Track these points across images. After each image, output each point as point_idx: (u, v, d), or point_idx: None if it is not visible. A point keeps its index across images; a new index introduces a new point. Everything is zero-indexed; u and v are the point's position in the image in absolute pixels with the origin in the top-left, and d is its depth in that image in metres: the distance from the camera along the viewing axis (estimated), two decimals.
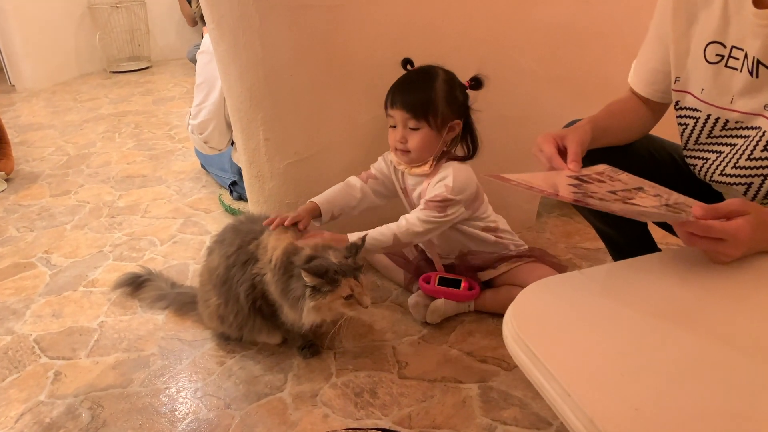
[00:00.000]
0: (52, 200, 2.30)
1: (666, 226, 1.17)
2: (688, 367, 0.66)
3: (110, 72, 4.49)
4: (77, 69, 4.41)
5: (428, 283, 1.48)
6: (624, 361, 0.68)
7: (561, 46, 1.68)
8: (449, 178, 1.36)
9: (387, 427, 1.17)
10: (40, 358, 1.42)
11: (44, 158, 2.75)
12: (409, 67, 1.41)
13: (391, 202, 1.57)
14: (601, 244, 1.76)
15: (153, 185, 2.39)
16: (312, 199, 1.46)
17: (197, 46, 4.09)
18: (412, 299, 1.50)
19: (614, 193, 0.80)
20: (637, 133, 1.12)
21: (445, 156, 1.42)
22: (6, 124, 2.67)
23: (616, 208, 0.77)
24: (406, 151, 1.39)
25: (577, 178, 0.85)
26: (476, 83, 1.38)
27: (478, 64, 1.60)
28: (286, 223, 1.33)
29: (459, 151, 1.45)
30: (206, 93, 1.94)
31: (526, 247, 1.54)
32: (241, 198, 2.13)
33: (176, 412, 1.24)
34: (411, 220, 1.36)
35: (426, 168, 1.41)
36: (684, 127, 1.04)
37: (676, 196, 0.81)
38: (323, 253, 1.22)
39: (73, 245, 1.94)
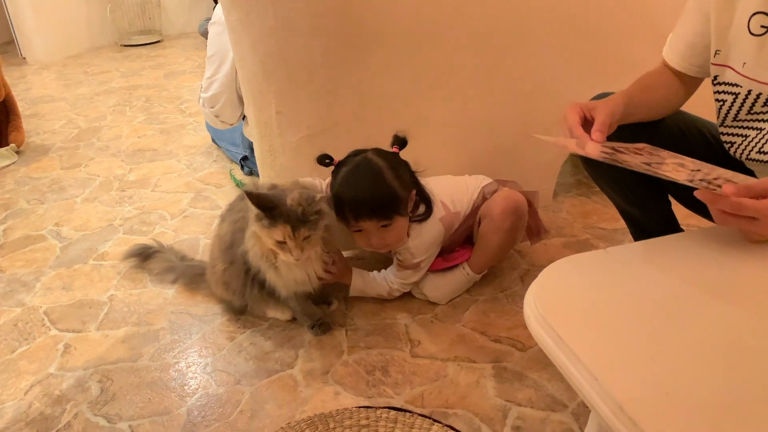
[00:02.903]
0: (63, 173, 2.28)
1: (697, 207, 1.12)
2: (720, 350, 0.63)
3: (121, 45, 4.45)
4: (88, 42, 4.37)
5: None
6: (653, 343, 0.65)
7: (582, 19, 1.62)
8: (411, 248, 1.37)
9: (399, 406, 1.15)
10: (50, 330, 1.41)
11: (55, 131, 2.73)
12: (328, 161, 1.34)
13: None
14: (619, 225, 1.73)
15: (163, 159, 2.37)
16: None
17: (208, 20, 4.04)
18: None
19: (648, 164, 0.77)
20: (669, 109, 1.08)
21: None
22: (17, 96, 2.65)
23: (644, 168, 0.74)
24: (386, 245, 1.35)
25: (612, 149, 0.82)
26: (401, 144, 1.36)
27: (495, 36, 1.56)
28: None
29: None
30: (218, 65, 1.90)
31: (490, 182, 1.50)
32: (252, 173, 2.10)
33: (186, 387, 1.23)
34: (394, 286, 1.43)
35: (403, 242, 1.39)
36: (722, 103, 0.99)
37: (720, 172, 0.77)
38: (290, 193, 1.19)
39: (84, 218, 1.93)
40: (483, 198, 1.45)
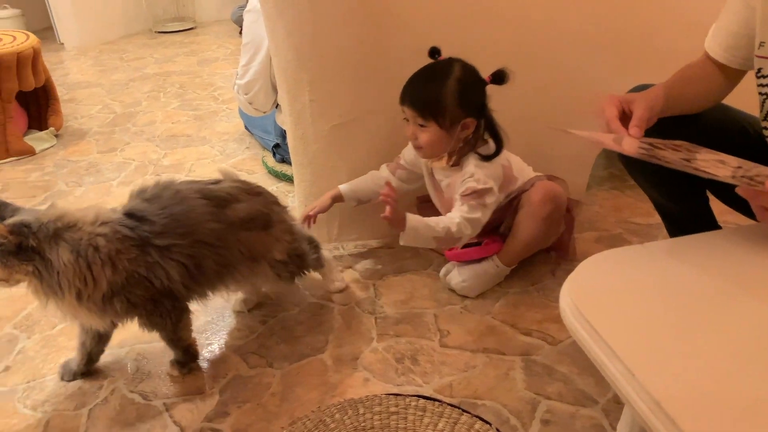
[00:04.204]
0: (100, 156, 2.33)
1: (737, 204, 1.10)
2: (761, 351, 0.63)
3: (155, 32, 4.51)
4: (123, 29, 4.44)
5: (451, 250, 1.46)
6: (692, 341, 0.64)
7: (611, 9, 1.59)
8: (475, 174, 1.34)
9: (428, 395, 1.16)
10: None
11: (92, 116, 2.79)
12: (437, 57, 1.35)
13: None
14: (652, 220, 1.71)
15: (197, 145, 2.40)
16: (339, 186, 1.54)
17: (241, 8, 4.08)
18: (443, 270, 1.49)
19: (688, 161, 0.76)
20: (710, 102, 1.06)
21: (469, 152, 1.37)
22: (55, 81, 2.71)
23: (683, 164, 0.73)
24: (419, 147, 1.36)
25: (650, 144, 0.80)
26: (498, 78, 1.32)
27: (525, 24, 1.54)
28: (311, 213, 1.52)
29: (483, 147, 1.39)
30: (253, 53, 1.92)
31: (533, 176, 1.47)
32: (284, 160, 2.12)
33: (218, 368, 1.25)
34: (456, 220, 1.32)
35: (443, 162, 1.38)
36: (765, 96, 0.97)
37: (761, 169, 0.76)
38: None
39: (120, 201, 1.93)
40: (526, 188, 1.43)
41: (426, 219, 1.32)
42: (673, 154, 0.79)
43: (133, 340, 1.34)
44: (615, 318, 0.68)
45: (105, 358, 1.28)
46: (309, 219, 1.52)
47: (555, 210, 1.37)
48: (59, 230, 1.02)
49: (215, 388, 1.20)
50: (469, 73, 1.32)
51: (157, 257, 1.09)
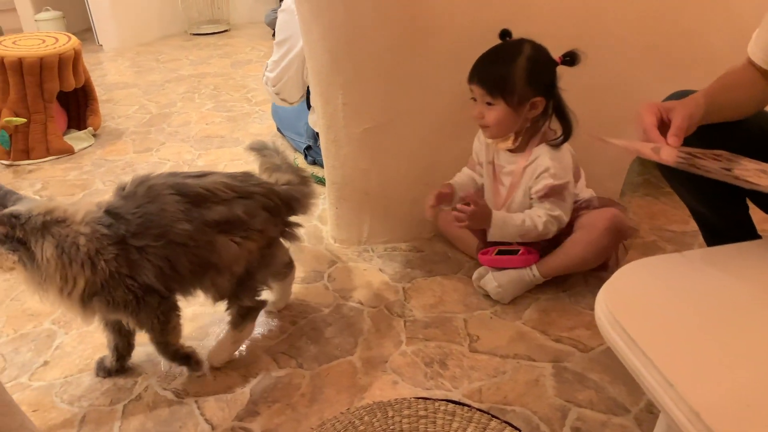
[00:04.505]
0: (136, 156, 2.38)
1: None
2: None
3: (190, 34, 4.58)
4: (159, 31, 4.53)
5: (486, 255, 1.45)
6: (732, 351, 0.63)
7: (656, 11, 1.57)
8: (550, 169, 1.32)
9: (457, 400, 1.15)
10: None
11: (128, 116, 2.85)
12: (507, 39, 1.35)
13: None
14: (688, 227, 1.68)
15: (230, 146, 2.44)
16: (448, 182, 1.51)
17: (275, 11, 4.12)
18: (476, 274, 1.48)
19: (729, 170, 0.74)
20: (752, 109, 1.03)
21: (537, 134, 1.36)
22: (94, 82, 2.77)
23: (723, 174, 0.71)
24: (486, 126, 1.36)
25: (689, 153, 0.79)
26: (570, 59, 1.30)
27: (564, 29, 1.52)
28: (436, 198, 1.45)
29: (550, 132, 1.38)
30: (286, 49, 1.97)
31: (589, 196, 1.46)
32: (315, 162, 2.14)
33: (249, 368, 1.27)
34: (543, 219, 1.33)
35: (509, 143, 1.37)
36: None
37: None
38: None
39: None
40: (586, 206, 1.43)
41: (509, 217, 1.35)
42: (713, 164, 0.78)
43: None
44: (652, 327, 0.67)
45: (139, 355, 1.31)
46: (439, 199, 1.45)
47: (616, 241, 1.37)
48: (48, 224, 1.02)
49: (246, 388, 1.22)
50: (540, 52, 1.32)
51: (137, 256, 1.07)
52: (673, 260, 0.78)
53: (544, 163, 1.33)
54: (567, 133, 1.35)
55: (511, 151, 1.39)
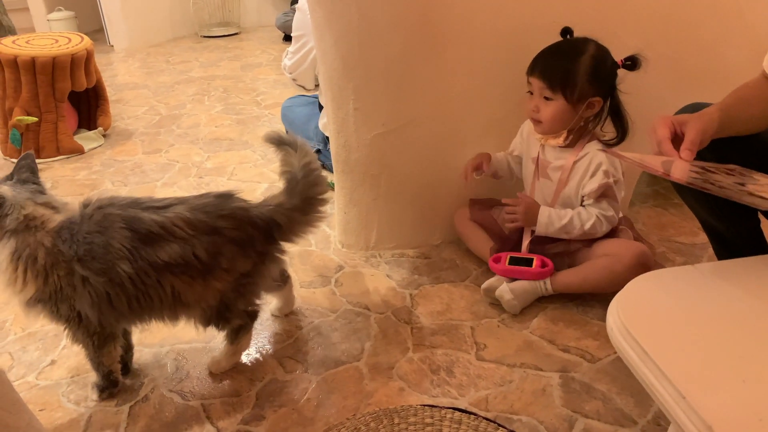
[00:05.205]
0: (145, 157, 2.39)
1: None
2: None
3: (201, 36, 4.61)
4: (170, 32, 4.56)
5: (498, 263, 1.44)
6: (745, 364, 0.62)
7: (670, 23, 1.56)
8: (603, 165, 1.33)
9: (464, 408, 1.15)
10: None
11: (138, 117, 2.87)
12: (569, 36, 1.37)
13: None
14: (697, 239, 1.67)
15: (239, 149, 2.44)
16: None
17: (286, 14, 4.15)
18: (485, 284, 1.46)
19: (743, 185, 0.74)
20: (766, 124, 1.02)
21: (587, 134, 1.37)
22: (104, 82, 2.79)
23: (737, 189, 0.71)
24: (539, 121, 1.37)
25: (702, 168, 0.79)
26: (632, 63, 1.31)
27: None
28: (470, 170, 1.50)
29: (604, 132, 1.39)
30: (303, 43, 2.03)
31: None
32: (325, 167, 2.14)
33: (256, 372, 1.27)
34: (593, 219, 1.35)
35: (560, 140, 1.38)
36: None
37: None
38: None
39: None
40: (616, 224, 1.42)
41: (556, 213, 1.38)
42: (726, 178, 0.77)
43: (173, 339, 1.36)
44: (664, 338, 0.66)
45: (145, 357, 1.31)
46: (473, 170, 1.51)
47: (638, 275, 1.36)
48: (20, 229, 1.03)
49: (252, 391, 1.22)
50: (604, 52, 1.33)
51: (79, 283, 1.04)
52: (686, 273, 0.77)
53: (597, 159, 1.34)
54: (622, 135, 1.35)
55: (559, 147, 1.40)
